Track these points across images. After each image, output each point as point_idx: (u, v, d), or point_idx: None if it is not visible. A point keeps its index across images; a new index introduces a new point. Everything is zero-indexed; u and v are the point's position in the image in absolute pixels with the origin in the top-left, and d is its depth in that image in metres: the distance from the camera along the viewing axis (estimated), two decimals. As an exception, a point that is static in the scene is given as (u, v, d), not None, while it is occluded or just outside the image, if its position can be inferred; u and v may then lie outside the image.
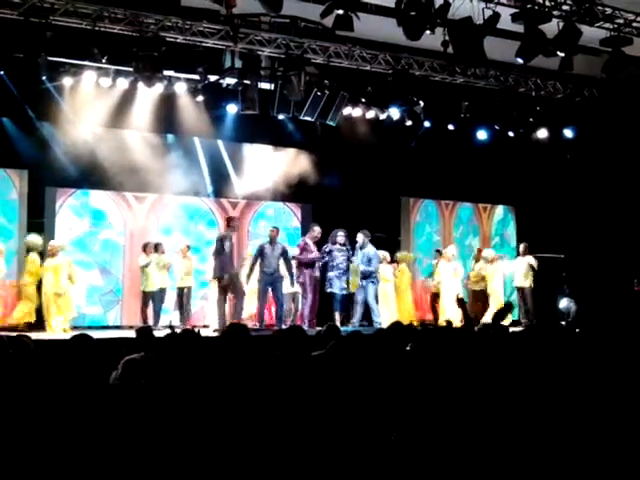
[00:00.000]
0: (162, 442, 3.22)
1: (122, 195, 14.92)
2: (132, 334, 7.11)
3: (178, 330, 5.45)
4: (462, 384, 4.38)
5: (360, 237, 14.20)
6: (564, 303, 16.59)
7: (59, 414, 3.20)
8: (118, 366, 5.38)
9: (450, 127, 15.53)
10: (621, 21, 12.47)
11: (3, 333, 6.66)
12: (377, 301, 14.16)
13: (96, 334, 5.44)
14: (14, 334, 5.33)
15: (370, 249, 14.16)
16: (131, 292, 14.64)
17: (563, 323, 14.30)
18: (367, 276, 14.04)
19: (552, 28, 11.56)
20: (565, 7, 11.82)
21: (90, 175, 14.08)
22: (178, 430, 3.32)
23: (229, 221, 13.61)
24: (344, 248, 14.04)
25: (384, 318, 13.79)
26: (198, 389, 3.84)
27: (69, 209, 14.52)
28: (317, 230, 14.19)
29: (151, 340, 6.04)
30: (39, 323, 12.71)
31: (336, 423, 3.56)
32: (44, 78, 12.36)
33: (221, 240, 13.08)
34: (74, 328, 12.52)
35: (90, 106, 13.44)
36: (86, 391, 3.62)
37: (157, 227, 15.26)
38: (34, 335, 8.06)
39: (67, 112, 13.46)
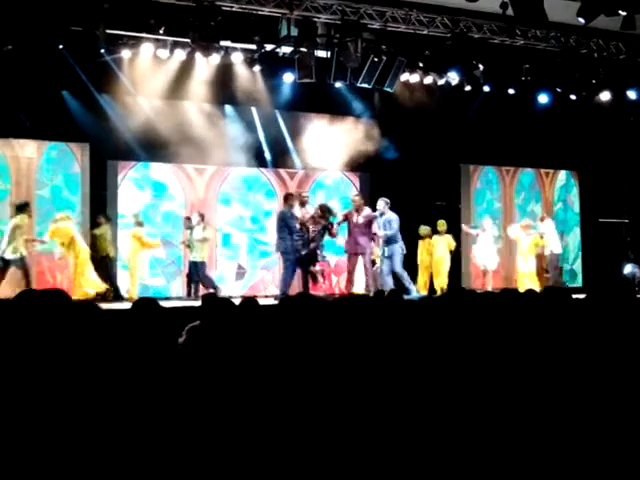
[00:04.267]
0: (227, 406, 3.23)
1: (182, 167, 15.03)
2: (196, 304, 7.16)
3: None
4: (524, 349, 4.31)
5: (380, 204, 13.65)
6: (629, 269, 16.33)
7: (127, 377, 3.23)
8: (183, 332, 5.41)
9: (510, 91, 15.24)
10: (686, -24, 12.08)
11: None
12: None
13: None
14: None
15: (390, 215, 13.48)
16: (192, 263, 14.77)
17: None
18: (389, 242, 13.43)
19: (614, -14, 11.28)
20: (627, -37, 11.50)
21: (150, 148, 14.20)
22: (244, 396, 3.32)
23: (286, 198, 13.51)
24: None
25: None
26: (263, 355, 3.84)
27: (130, 182, 14.69)
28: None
29: (217, 307, 6.03)
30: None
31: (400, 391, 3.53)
32: (103, 51, 12.48)
33: (282, 217, 13.13)
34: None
35: (149, 78, 13.55)
36: (152, 355, 3.65)
37: (216, 198, 15.36)
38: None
39: (126, 85, 13.60)
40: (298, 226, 13.05)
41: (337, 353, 3.70)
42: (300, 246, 12.91)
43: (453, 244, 15.05)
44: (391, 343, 4.10)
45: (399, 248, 13.41)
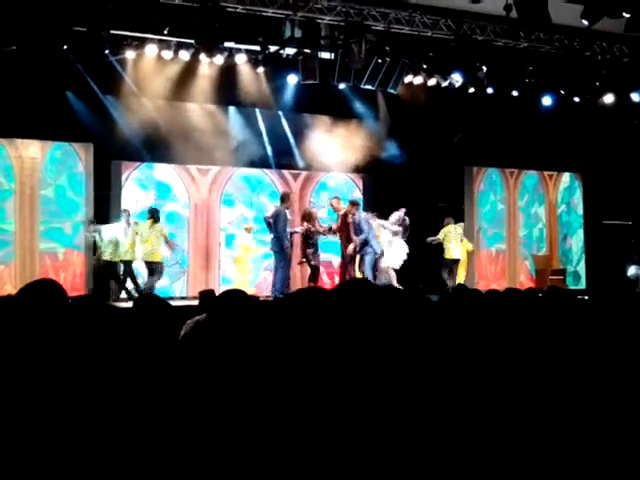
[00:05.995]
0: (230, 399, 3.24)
1: (186, 168, 15.06)
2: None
3: None
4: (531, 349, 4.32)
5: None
6: (632, 270, 16.32)
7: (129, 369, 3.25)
8: (184, 326, 5.41)
9: (514, 93, 15.23)
10: (691, -22, 12.07)
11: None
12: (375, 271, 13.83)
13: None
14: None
15: (360, 216, 13.77)
16: (196, 264, 14.82)
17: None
18: (362, 243, 13.69)
19: (618, -12, 11.28)
20: (630, -35, 11.50)
21: (154, 148, 14.25)
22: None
23: (283, 198, 13.71)
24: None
25: None
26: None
27: (134, 182, 14.72)
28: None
29: (214, 303, 6.03)
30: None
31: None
32: (107, 52, 12.52)
33: (279, 216, 13.39)
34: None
35: (152, 79, 13.61)
36: (154, 351, 3.65)
37: (220, 199, 15.39)
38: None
39: (130, 85, 13.65)
40: (300, 229, 13.77)
41: (332, 350, 3.71)
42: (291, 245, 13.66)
43: (470, 246, 15.61)
44: (381, 338, 4.10)
45: (369, 249, 13.66)
